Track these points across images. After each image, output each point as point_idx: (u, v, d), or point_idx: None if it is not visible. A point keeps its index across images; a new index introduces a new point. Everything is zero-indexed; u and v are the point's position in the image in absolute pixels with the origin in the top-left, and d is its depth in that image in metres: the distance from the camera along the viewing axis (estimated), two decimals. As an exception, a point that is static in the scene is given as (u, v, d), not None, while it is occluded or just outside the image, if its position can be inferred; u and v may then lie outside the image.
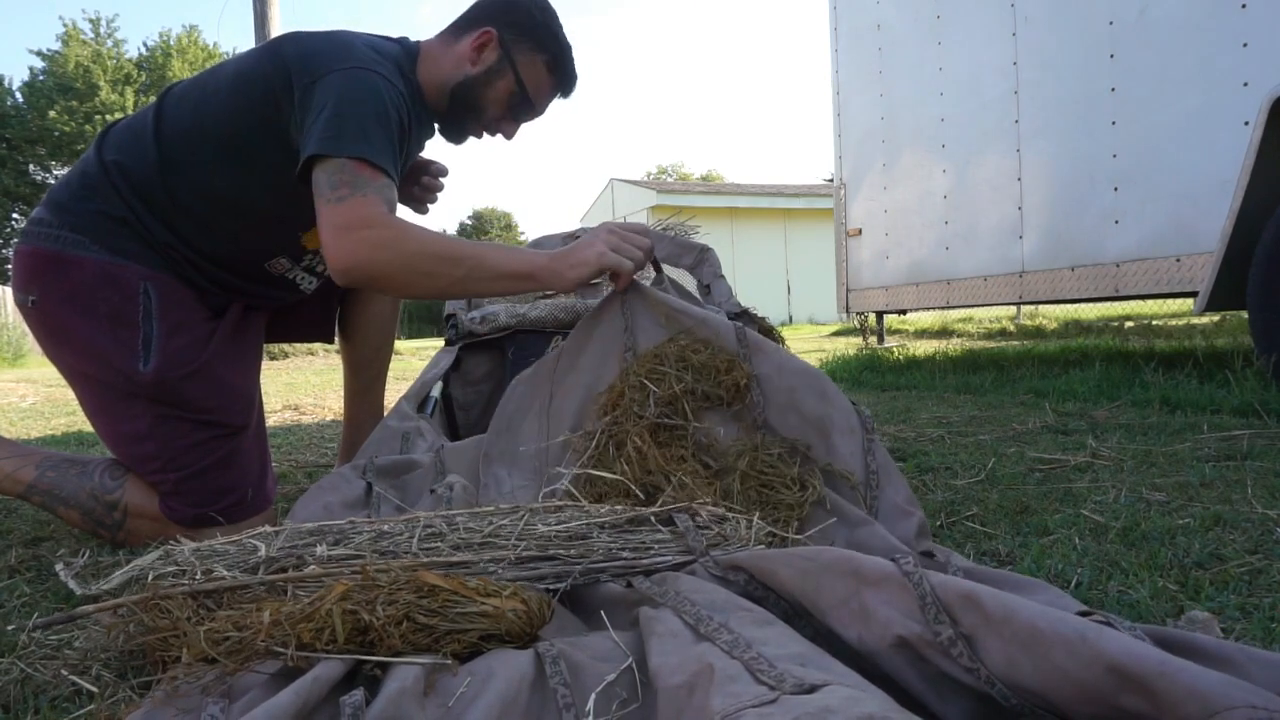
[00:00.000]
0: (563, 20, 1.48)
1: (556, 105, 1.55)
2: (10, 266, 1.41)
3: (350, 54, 1.29)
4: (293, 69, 1.27)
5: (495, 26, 1.41)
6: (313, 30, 1.36)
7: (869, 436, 1.11)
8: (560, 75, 1.46)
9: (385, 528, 0.95)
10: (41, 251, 1.31)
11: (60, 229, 1.31)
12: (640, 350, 1.25)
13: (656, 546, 0.90)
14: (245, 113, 1.30)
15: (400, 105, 1.29)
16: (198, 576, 0.85)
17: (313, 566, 0.85)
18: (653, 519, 0.97)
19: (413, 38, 1.48)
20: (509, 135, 1.50)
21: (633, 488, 1.09)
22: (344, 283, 1.23)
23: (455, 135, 1.50)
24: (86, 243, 1.30)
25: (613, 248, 1.25)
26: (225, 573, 0.85)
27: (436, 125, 1.50)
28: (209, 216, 1.35)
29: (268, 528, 0.98)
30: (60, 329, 1.33)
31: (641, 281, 1.34)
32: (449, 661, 0.68)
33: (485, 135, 1.50)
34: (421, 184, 1.63)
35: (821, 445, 1.11)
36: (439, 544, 0.90)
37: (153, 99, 1.42)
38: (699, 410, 1.16)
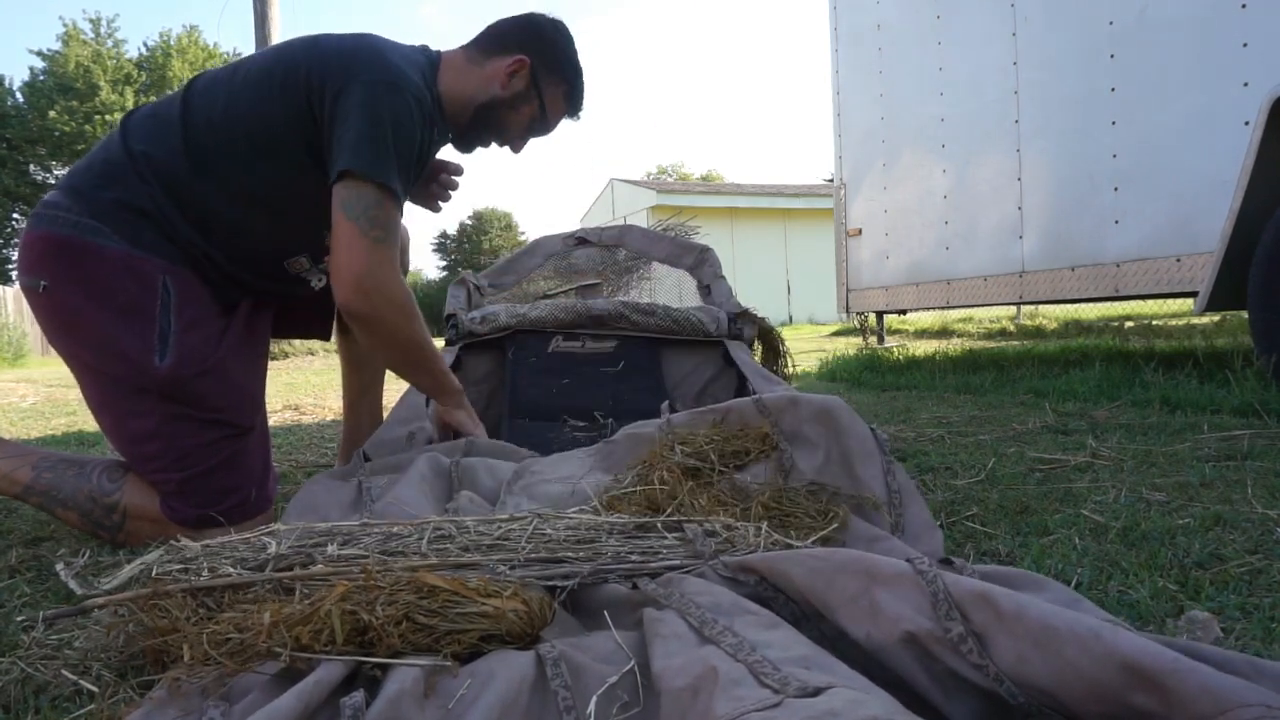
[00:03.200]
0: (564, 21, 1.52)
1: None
2: (16, 257, 1.41)
3: (382, 62, 1.31)
4: (328, 69, 1.29)
5: (529, 55, 1.47)
6: (341, 33, 1.37)
7: (885, 458, 1.13)
8: (572, 102, 1.56)
9: (395, 529, 0.95)
10: (57, 237, 1.28)
11: (79, 215, 1.29)
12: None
13: (665, 551, 0.91)
14: (275, 107, 1.30)
15: (425, 125, 1.34)
16: (204, 573, 0.85)
17: (319, 565, 0.85)
18: (660, 526, 0.97)
19: (417, 40, 1.51)
20: (517, 150, 1.58)
21: (657, 494, 1.11)
22: (340, 308, 1.33)
23: (466, 147, 1.56)
24: (106, 231, 1.28)
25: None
26: (231, 570, 0.85)
27: (451, 135, 1.52)
28: (237, 210, 1.35)
29: (280, 525, 0.98)
30: (71, 317, 1.30)
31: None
32: (449, 663, 0.68)
33: (494, 146, 1.56)
34: (439, 181, 1.66)
35: (848, 480, 1.14)
36: (448, 545, 0.91)
37: (153, 99, 1.42)
38: (730, 467, 1.22)
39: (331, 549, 0.89)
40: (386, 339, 1.37)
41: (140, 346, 1.28)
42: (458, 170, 1.66)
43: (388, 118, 1.26)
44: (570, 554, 0.88)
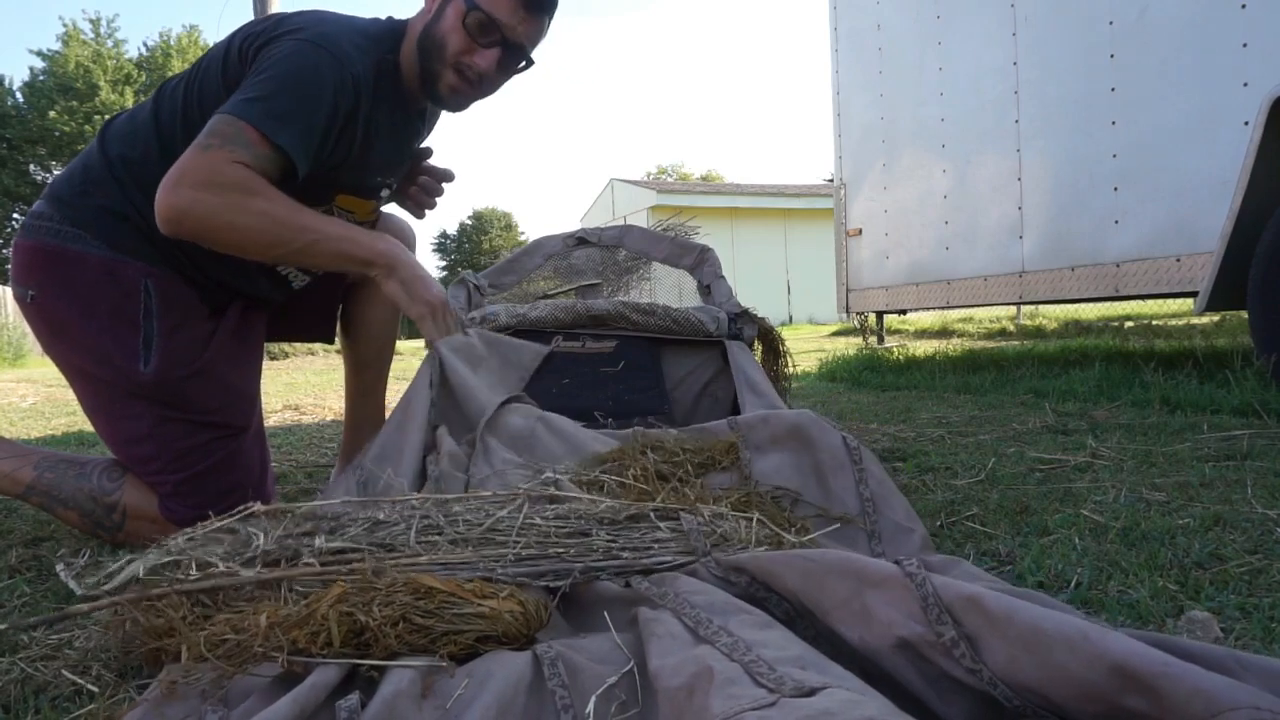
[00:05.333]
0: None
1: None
2: (9, 262, 1.40)
3: (311, 25, 1.27)
4: (261, 34, 1.28)
5: None
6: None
7: (858, 467, 1.13)
8: None
9: (380, 515, 0.94)
10: (41, 246, 1.30)
11: (61, 223, 1.30)
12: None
13: (656, 546, 0.90)
14: (224, 92, 1.28)
15: (345, 89, 1.25)
16: (193, 570, 0.84)
17: (309, 561, 0.84)
18: (653, 515, 0.96)
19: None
20: (485, 68, 1.34)
21: (632, 485, 1.10)
22: (167, 232, 1.18)
23: (436, 91, 1.38)
24: (87, 238, 1.29)
25: (425, 306, 1.34)
26: (221, 565, 0.84)
27: (429, 100, 1.43)
28: None
29: (259, 506, 0.96)
30: (59, 325, 1.32)
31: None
32: (445, 664, 0.68)
33: (466, 83, 1.36)
34: (420, 185, 1.60)
35: (818, 490, 1.15)
36: (437, 538, 0.90)
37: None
38: (695, 476, 1.22)
39: (319, 541, 0.88)
40: (244, 245, 1.19)
41: (125, 352, 1.29)
42: (445, 176, 1.61)
43: (286, 71, 1.20)
44: (561, 549, 0.88)
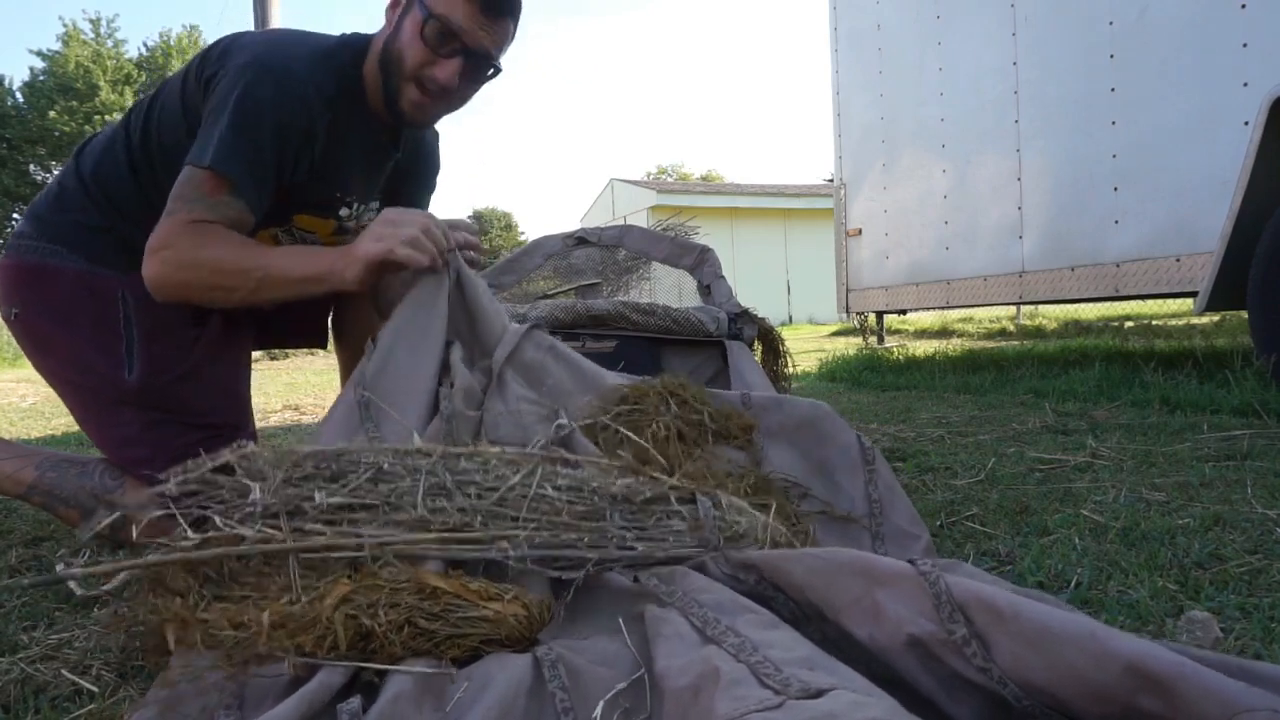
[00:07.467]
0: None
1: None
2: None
3: (255, 46, 1.26)
4: (208, 63, 1.27)
5: None
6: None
7: (869, 468, 1.13)
8: None
9: (385, 465, 0.89)
10: (22, 263, 1.33)
11: (39, 240, 1.33)
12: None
13: (671, 538, 0.89)
14: (181, 116, 1.29)
15: (290, 106, 1.23)
16: (189, 534, 0.80)
17: (314, 527, 0.81)
18: (673, 498, 0.93)
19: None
20: (445, 79, 1.29)
21: (651, 450, 1.09)
22: (160, 301, 1.23)
23: (398, 108, 1.33)
24: (65, 252, 1.32)
25: (379, 239, 1.19)
26: (219, 520, 0.81)
27: (393, 119, 1.38)
28: None
29: (252, 446, 0.92)
30: (44, 339, 1.34)
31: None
32: (449, 670, 0.68)
33: (427, 96, 1.31)
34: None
35: (825, 485, 1.14)
36: (445, 504, 0.86)
37: None
38: (715, 443, 1.20)
39: (320, 498, 0.84)
40: (213, 297, 1.22)
41: (109, 361, 1.30)
42: (471, 231, 1.45)
43: (233, 104, 1.19)
44: (574, 535, 0.86)
